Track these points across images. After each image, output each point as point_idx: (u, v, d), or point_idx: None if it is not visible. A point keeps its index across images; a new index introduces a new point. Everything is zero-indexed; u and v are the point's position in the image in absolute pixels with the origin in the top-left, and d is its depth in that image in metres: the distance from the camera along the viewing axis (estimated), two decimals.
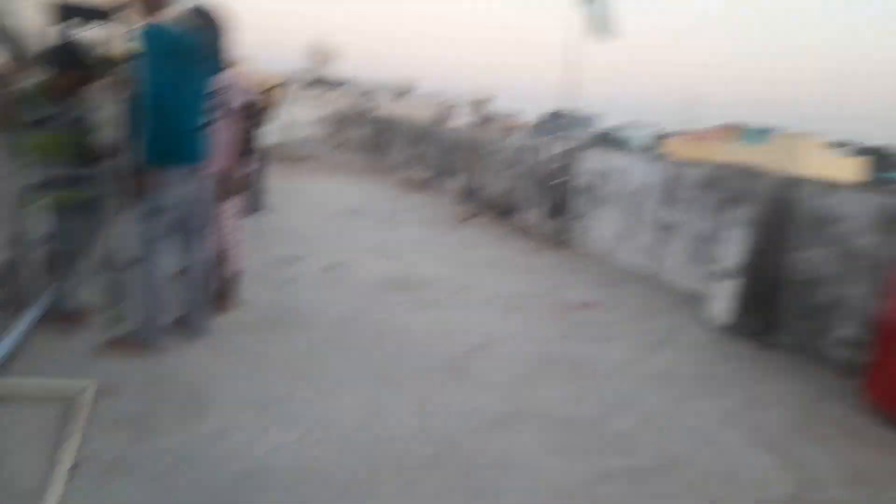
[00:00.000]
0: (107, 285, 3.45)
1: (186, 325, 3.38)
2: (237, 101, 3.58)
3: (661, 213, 6.11)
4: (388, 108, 24.97)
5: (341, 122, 21.29)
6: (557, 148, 7.60)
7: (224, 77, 3.44)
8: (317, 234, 6.55)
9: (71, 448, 2.25)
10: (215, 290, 3.85)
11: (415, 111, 26.51)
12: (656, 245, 6.13)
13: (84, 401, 2.57)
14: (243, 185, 3.78)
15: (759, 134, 31.89)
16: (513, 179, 8.76)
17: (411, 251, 6.29)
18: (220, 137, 3.51)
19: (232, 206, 3.78)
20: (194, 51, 2.99)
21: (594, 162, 7.16)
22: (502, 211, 8.79)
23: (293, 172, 11.44)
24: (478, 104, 46.69)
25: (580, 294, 5.38)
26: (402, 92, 38.67)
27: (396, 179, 12.36)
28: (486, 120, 44.49)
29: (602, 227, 6.94)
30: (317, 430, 2.68)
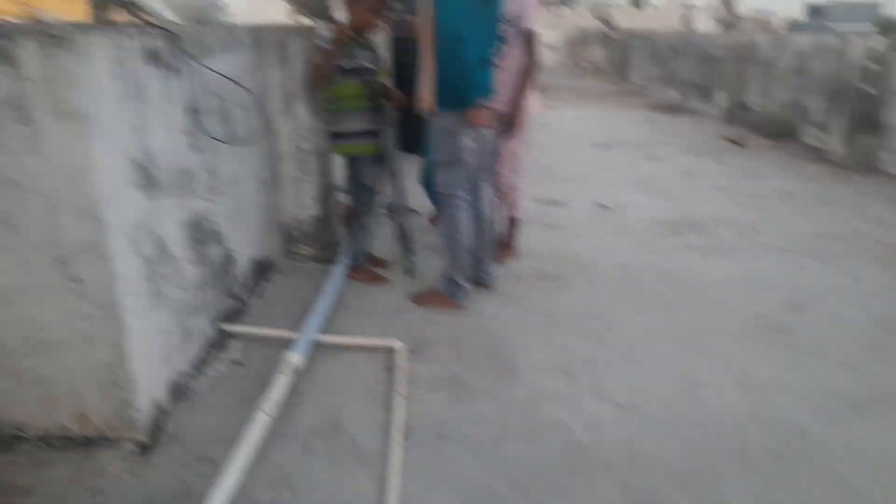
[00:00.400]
0: (399, 236, 3.54)
1: (477, 277, 3.34)
2: (523, 29, 3.32)
3: None
4: (622, 22, 23.19)
5: (576, 43, 20.29)
6: (860, 47, 6.20)
7: (513, 3, 3.18)
8: (575, 169, 6.23)
9: (399, 411, 2.30)
10: (499, 237, 3.78)
11: (653, 22, 24.30)
12: None
13: (400, 359, 2.64)
14: (526, 121, 3.56)
15: None
16: (795, 91, 7.46)
17: (682, 185, 5.67)
18: (506, 70, 3.29)
19: (516, 145, 3.61)
20: None
21: None
22: (782, 131, 7.58)
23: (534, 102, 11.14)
24: (723, 5, 41.38)
25: None
26: (635, 2, 35.65)
27: (645, 102, 11.42)
28: (734, 22, 39.25)
29: None
30: (632, 403, 2.45)
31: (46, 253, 1.82)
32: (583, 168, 6.30)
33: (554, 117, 9.63)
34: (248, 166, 2.98)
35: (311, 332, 2.69)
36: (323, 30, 3.15)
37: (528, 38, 3.36)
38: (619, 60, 15.66)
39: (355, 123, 3.22)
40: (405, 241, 3.53)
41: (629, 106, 11.02)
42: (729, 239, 4.28)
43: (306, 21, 4.48)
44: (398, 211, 3.49)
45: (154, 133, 2.06)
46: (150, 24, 2.07)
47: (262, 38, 3.08)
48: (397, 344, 2.74)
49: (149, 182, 2.05)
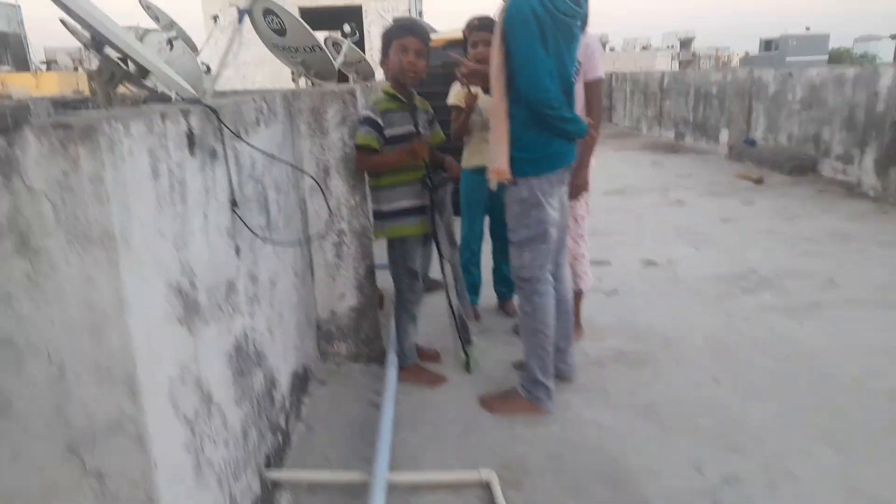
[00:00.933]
0: (456, 325, 2.98)
1: (556, 368, 2.79)
2: (591, 79, 2.87)
3: None
4: None
5: None
6: (888, 76, 5.95)
7: (583, 48, 2.73)
8: (602, 220, 5.76)
9: None
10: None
11: (616, 65, 24.60)
12: None
13: (498, 497, 2.05)
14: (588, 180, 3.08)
15: None
16: (811, 124, 7.19)
17: (724, 233, 5.25)
18: None
19: (580, 208, 3.12)
20: (576, 17, 2.30)
21: None
22: (798, 166, 7.29)
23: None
24: (682, 44, 42.67)
25: None
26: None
27: (639, 144, 11.18)
28: (692, 60, 40.46)
29: None
30: None
31: (53, 440, 1.23)
32: (610, 218, 5.85)
33: None
34: (285, 259, 2.42)
35: (382, 473, 2.09)
36: (371, 105, 2.63)
37: (596, 89, 2.92)
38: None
39: (404, 200, 2.69)
40: (462, 330, 2.98)
41: (625, 148, 10.75)
42: (809, 295, 3.82)
43: (316, 83, 4.01)
44: (456, 296, 2.93)
45: (195, 242, 1.50)
46: (183, 99, 1.54)
47: (294, 105, 2.56)
48: (490, 476, 2.16)
49: (190, 311, 1.48)
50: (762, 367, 2.96)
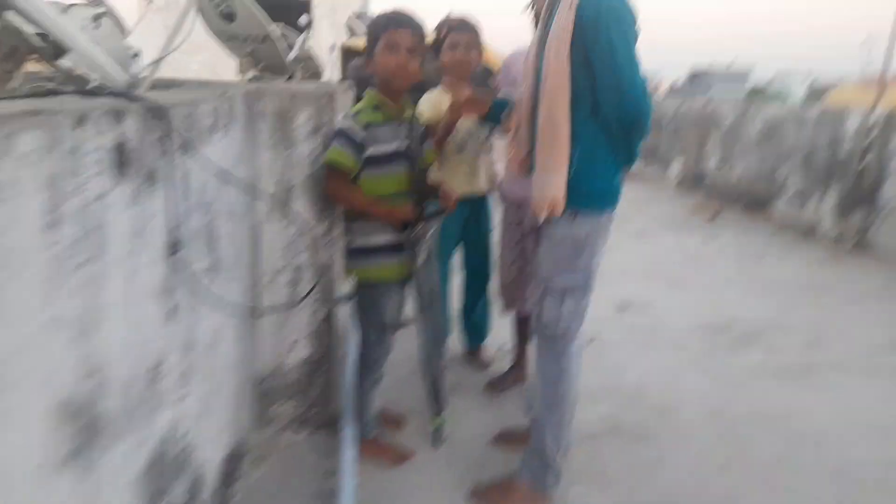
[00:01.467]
0: (431, 389, 2.45)
1: None
2: None
3: None
4: None
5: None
6: (854, 119, 5.86)
7: None
8: None
9: None
10: None
11: None
12: None
13: None
14: None
15: None
16: (769, 160, 7.07)
17: (695, 273, 4.98)
18: None
19: None
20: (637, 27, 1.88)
21: None
22: (753, 201, 7.19)
23: None
24: None
25: None
26: None
27: None
28: None
29: None
30: None
31: None
32: None
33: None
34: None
35: None
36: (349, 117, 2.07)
37: None
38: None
39: (381, 234, 2.15)
40: (437, 395, 2.45)
41: None
42: (798, 355, 3.54)
43: (264, 79, 3.42)
44: (432, 354, 2.40)
45: (110, 319, 0.93)
46: (111, 92, 0.97)
47: (256, 107, 1.97)
48: None
49: (89, 435, 0.90)
50: (772, 451, 2.60)
